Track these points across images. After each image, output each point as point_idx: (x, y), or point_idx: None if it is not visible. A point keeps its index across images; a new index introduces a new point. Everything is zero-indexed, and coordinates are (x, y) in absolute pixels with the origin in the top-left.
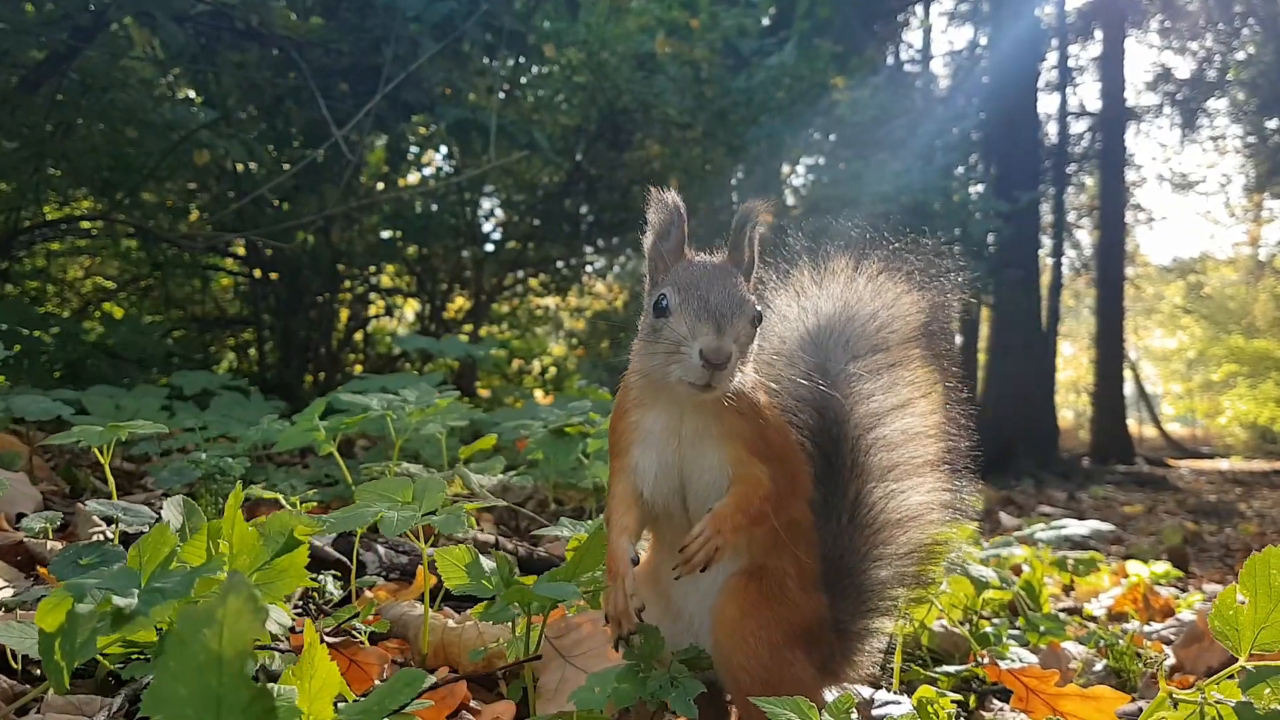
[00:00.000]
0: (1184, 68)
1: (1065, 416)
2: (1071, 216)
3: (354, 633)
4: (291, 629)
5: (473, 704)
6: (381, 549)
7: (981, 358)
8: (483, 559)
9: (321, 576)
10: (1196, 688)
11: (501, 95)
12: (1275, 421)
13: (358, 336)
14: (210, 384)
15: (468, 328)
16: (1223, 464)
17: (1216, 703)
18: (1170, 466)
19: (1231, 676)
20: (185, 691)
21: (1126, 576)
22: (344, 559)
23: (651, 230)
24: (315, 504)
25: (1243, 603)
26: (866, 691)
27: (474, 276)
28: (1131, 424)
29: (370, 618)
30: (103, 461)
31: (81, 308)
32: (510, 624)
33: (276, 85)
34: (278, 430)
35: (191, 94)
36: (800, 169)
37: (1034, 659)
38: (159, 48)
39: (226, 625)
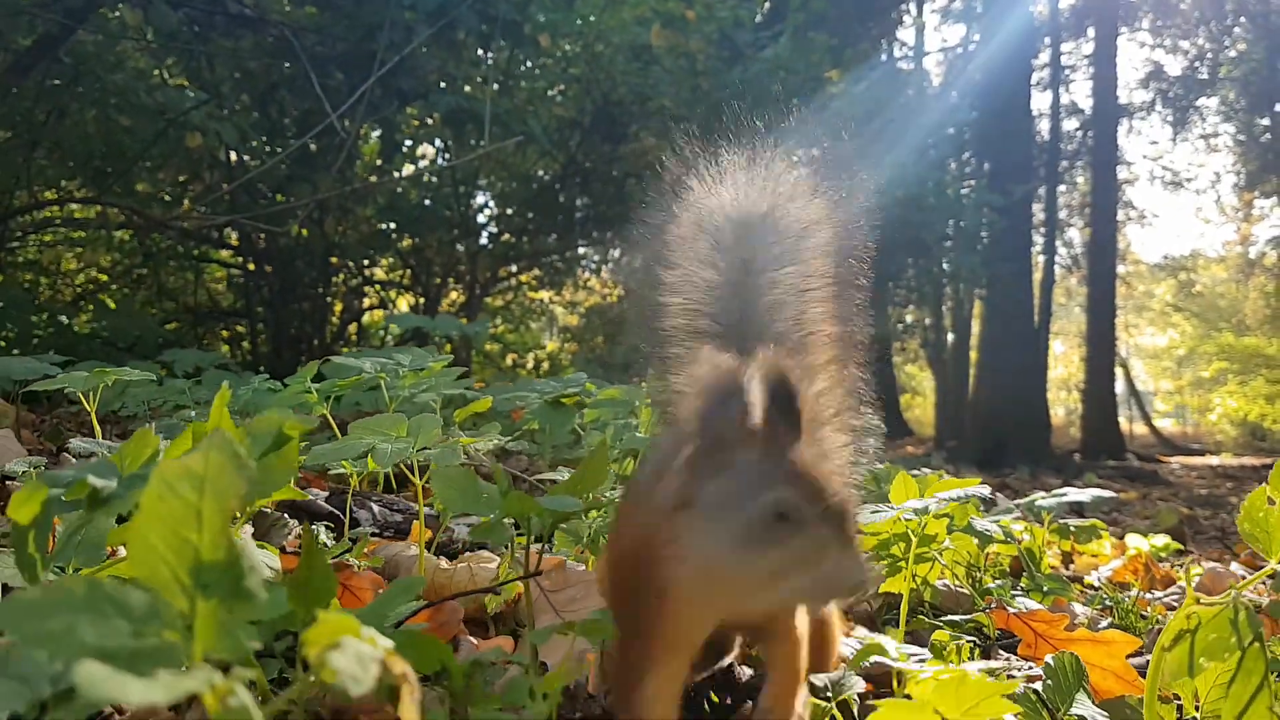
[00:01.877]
0: (1175, 65)
1: (1057, 414)
2: (1063, 214)
3: (349, 564)
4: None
5: (470, 639)
6: (376, 506)
7: (974, 355)
8: (481, 482)
9: (315, 526)
10: (1229, 588)
11: (496, 86)
12: (1265, 418)
13: (351, 329)
14: (202, 362)
15: (462, 321)
16: (1213, 460)
17: (1250, 602)
18: (1161, 462)
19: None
20: (162, 546)
21: (1126, 550)
22: (338, 513)
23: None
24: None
25: (1273, 504)
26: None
27: (468, 270)
28: (1122, 421)
29: (365, 552)
30: (88, 408)
31: (75, 299)
32: (509, 552)
33: (271, 72)
34: (269, 390)
35: (185, 83)
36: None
37: (1040, 608)
38: (152, 33)
39: (209, 481)
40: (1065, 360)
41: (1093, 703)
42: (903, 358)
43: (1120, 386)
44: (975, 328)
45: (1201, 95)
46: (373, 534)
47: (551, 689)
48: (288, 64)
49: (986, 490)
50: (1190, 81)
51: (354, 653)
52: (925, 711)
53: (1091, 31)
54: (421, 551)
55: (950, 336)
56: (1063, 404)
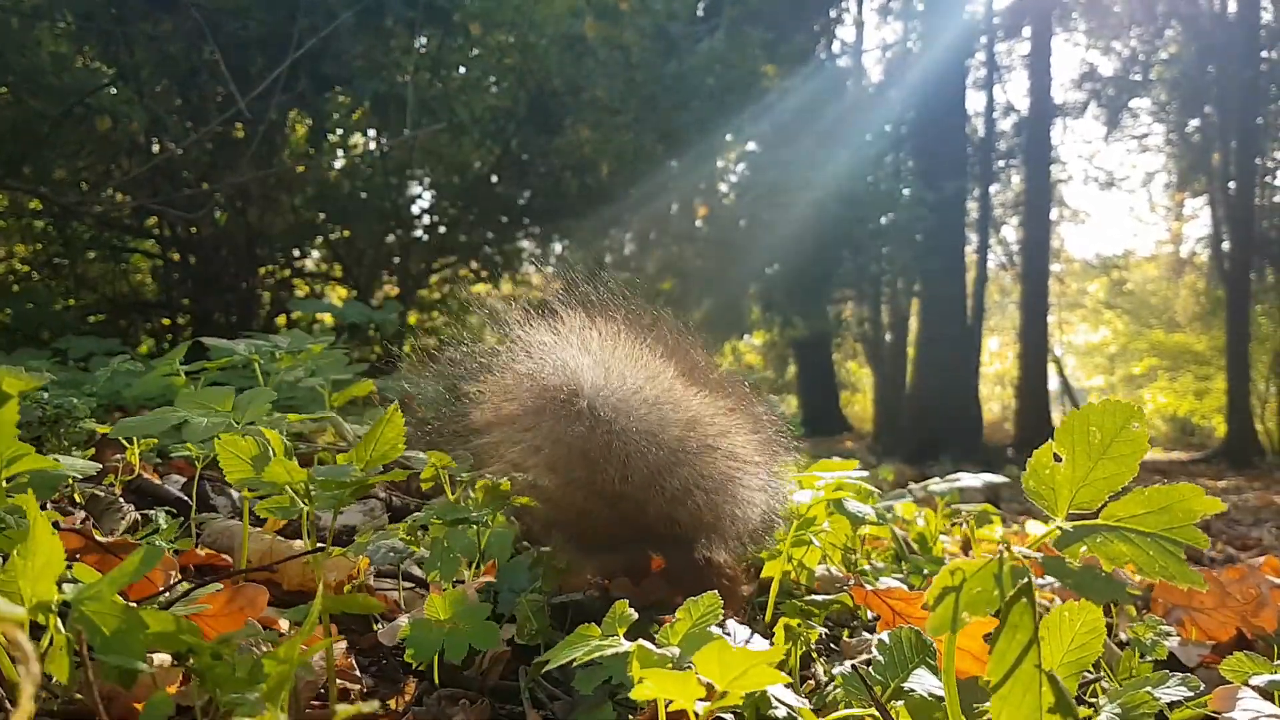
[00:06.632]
0: (1109, 66)
1: (992, 410)
2: (998, 212)
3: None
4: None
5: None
6: (235, 493)
7: (911, 351)
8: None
9: (154, 512)
10: (1004, 545)
11: (427, 75)
12: (1194, 414)
13: (280, 321)
14: (96, 349)
15: (381, 307)
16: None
17: (1023, 556)
18: None
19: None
20: None
21: (1027, 537)
22: (185, 498)
23: None
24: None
25: (1059, 461)
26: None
27: (401, 262)
28: (1056, 417)
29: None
30: None
31: None
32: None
33: (191, 58)
34: (129, 371)
35: (103, 67)
36: (732, 158)
37: (898, 585)
38: (69, 18)
39: None
40: (1000, 356)
41: (937, 677)
42: (842, 354)
43: (1054, 383)
44: (913, 324)
45: (1134, 96)
46: (232, 521)
47: (276, 672)
48: (209, 48)
49: (864, 474)
50: (1123, 82)
51: None
52: (690, 680)
53: (1027, 32)
54: (245, 528)
55: (888, 335)
56: (998, 400)
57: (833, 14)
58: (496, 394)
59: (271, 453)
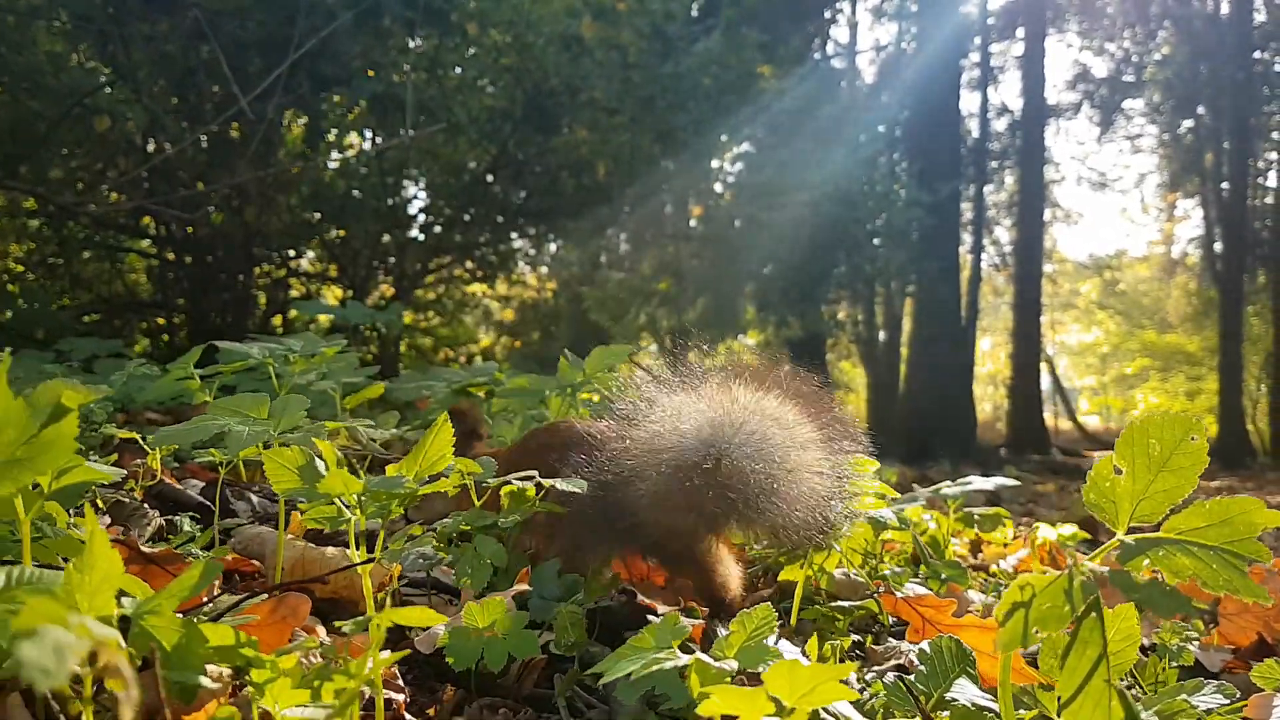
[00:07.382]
0: (1102, 67)
1: (985, 409)
2: (991, 213)
3: (190, 555)
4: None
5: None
6: (255, 497)
7: (904, 351)
8: (319, 462)
9: (179, 518)
10: (1069, 558)
11: (424, 74)
12: (1186, 414)
13: (276, 321)
14: (99, 350)
15: (378, 307)
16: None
17: (1090, 571)
18: (1085, 456)
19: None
20: None
21: (1035, 540)
22: (208, 503)
23: None
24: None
25: (1120, 473)
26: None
27: (397, 262)
28: (1048, 416)
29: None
30: None
31: None
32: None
33: (189, 56)
34: (144, 375)
35: (101, 66)
36: (728, 159)
37: (928, 593)
38: (65, 18)
39: None
40: (993, 357)
41: (978, 687)
42: (836, 354)
43: (1046, 382)
44: (907, 325)
45: (1127, 97)
46: (253, 525)
47: (348, 687)
48: (206, 48)
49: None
50: (1116, 83)
51: (51, 642)
52: (759, 697)
53: (1021, 33)
54: (281, 537)
55: (882, 334)
56: (990, 400)
57: (827, 15)
58: (639, 464)
59: (323, 464)
